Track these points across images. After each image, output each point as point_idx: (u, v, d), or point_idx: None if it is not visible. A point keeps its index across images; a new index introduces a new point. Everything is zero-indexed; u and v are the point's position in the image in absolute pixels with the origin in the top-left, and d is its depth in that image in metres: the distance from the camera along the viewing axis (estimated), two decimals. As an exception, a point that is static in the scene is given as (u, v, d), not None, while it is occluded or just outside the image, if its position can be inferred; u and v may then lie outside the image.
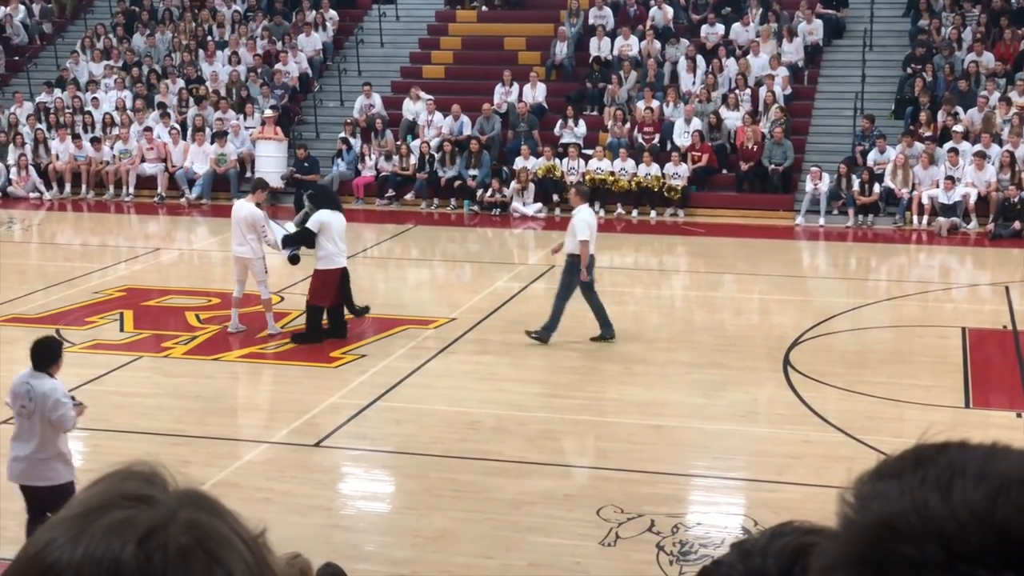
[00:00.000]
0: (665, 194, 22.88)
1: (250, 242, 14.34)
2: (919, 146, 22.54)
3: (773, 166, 22.98)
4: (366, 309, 15.10)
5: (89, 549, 1.11)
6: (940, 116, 23.30)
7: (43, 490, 8.37)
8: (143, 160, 25.19)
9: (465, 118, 24.86)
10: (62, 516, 1.17)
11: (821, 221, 22.23)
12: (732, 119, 24.03)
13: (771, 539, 1.39)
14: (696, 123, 23.84)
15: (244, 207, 14.52)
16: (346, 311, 14.82)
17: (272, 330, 14.69)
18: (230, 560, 1.14)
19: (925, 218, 21.81)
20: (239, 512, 1.20)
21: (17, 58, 29.32)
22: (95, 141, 25.37)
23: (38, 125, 26.08)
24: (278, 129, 24.69)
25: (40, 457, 8.46)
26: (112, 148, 25.31)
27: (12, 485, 10.11)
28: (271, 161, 24.45)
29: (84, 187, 25.27)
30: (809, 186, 22.41)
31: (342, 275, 14.58)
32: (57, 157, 25.38)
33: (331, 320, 14.60)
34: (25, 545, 1.19)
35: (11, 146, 25.53)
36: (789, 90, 24.73)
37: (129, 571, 1.10)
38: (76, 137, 25.60)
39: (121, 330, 14.95)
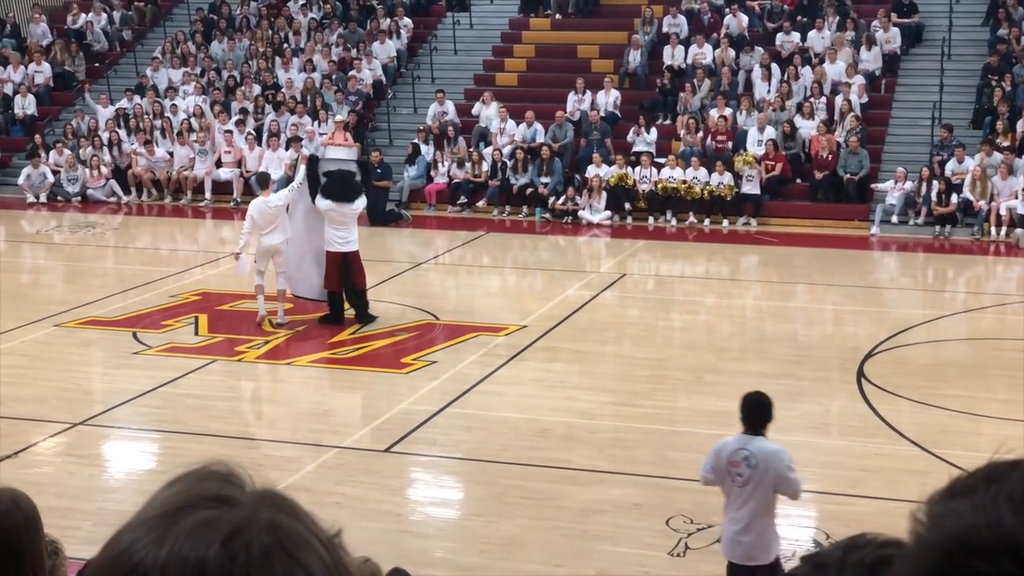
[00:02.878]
0: (740, 191, 22.74)
1: (283, 229, 15.14)
2: (998, 156, 22.21)
3: (848, 175, 22.76)
4: (366, 317, 15.39)
5: (174, 549, 1.13)
6: (1019, 126, 22.94)
7: (761, 569, 7.39)
8: (219, 164, 25.51)
9: (538, 125, 24.89)
10: (143, 517, 1.18)
11: (894, 219, 22.01)
12: (807, 128, 23.83)
13: (846, 552, 1.37)
14: (770, 132, 23.67)
15: (267, 202, 15.21)
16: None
17: (281, 319, 15.41)
18: (309, 561, 1.16)
19: (1004, 229, 21.48)
20: (314, 513, 1.22)
21: (97, 64, 29.80)
22: (174, 142, 25.84)
23: (116, 129, 26.48)
24: (348, 135, 24.83)
25: (758, 531, 7.42)
26: (193, 150, 25.68)
27: (86, 485, 10.28)
28: (342, 166, 24.59)
29: (164, 192, 25.63)
30: (890, 184, 22.16)
31: (342, 261, 15.10)
32: (136, 162, 25.79)
33: (329, 305, 15.31)
34: (107, 545, 1.20)
35: (90, 148, 25.96)
36: (866, 99, 24.49)
37: (214, 571, 1.12)
38: (148, 143, 25.95)
39: (196, 334, 15.14)
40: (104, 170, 25.64)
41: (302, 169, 15.94)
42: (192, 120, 26.44)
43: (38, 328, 15.25)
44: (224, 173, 25.47)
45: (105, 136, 26.38)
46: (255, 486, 1.22)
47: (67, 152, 25.91)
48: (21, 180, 25.65)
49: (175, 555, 1.12)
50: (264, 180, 16.28)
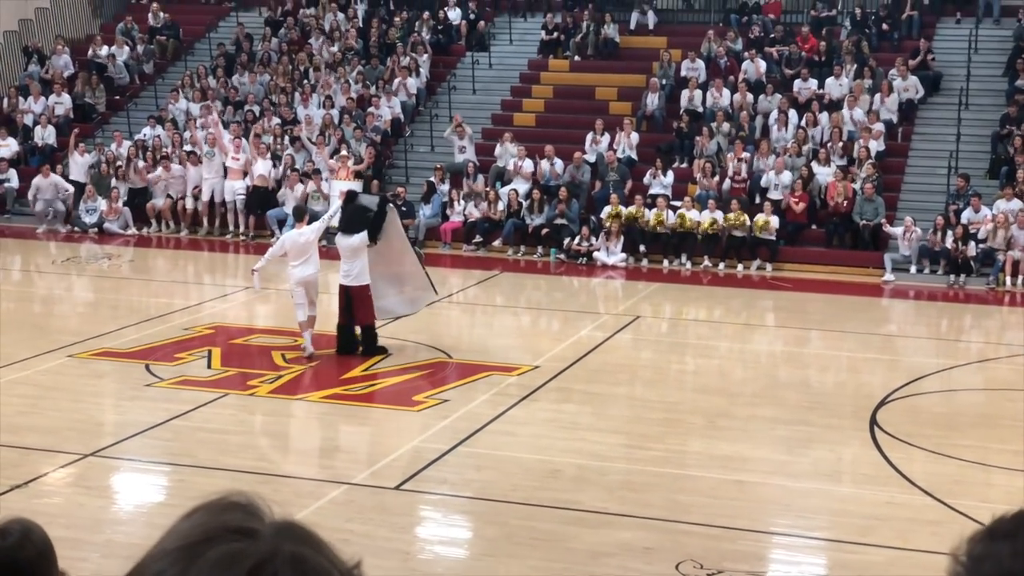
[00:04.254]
0: (757, 233, 22.74)
1: (313, 261, 15.46)
2: (1017, 202, 22.23)
3: (864, 222, 22.77)
4: (371, 350, 15.66)
5: None
6: (1037, 176, 22.95)
7: None
8: (225, 174, 25.50)
9: (557, 164, 24.99)
10: (166, 547, 1.19)
11: (912, 270, 22.00)
12: (823, 174, 23.88)
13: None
14: (787, 176, 23.73)
15: (301, 234, 15.48)
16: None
17: (308, 350, 15.49)
18: None
19: (1020, 279, 21.44)
20: (334, 544, 1.23)
21: (118, 97, 30.03)
22: (190, 155, 26.01)
23: (135, 158, 26.60)
24: (352, 171, 24.98)
25: None
26: (200, 151, 25.76)
27: (95, 516, 10.29)
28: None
29: (180, 225, 25.74)
30: (899, 230, 22.16)
31: (344, 294, 15.54)
32: (153, 190, 25.90)
33: (336, 338, 15.71)
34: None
35: (112, 179, 26.12)
36: (883, 146, 24.53)
37: None
38: (165, 158, 26.10)
39: (209, 367, 15.17)
40: (118, 204, 25.74)
41: (336, 203, 16.17)
42: (207, 147, 26.49)
43: (51, 358, 15.30)
44: (230, 188, 25.43)
45: (124, 155, 26.55)
46: (275, 518, 1.23)
47: (87, 184, 26.10)
48: (30, 194, 25.84)
49: None
50: (299, 212, 16.51)
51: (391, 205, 16.01)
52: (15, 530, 4.19)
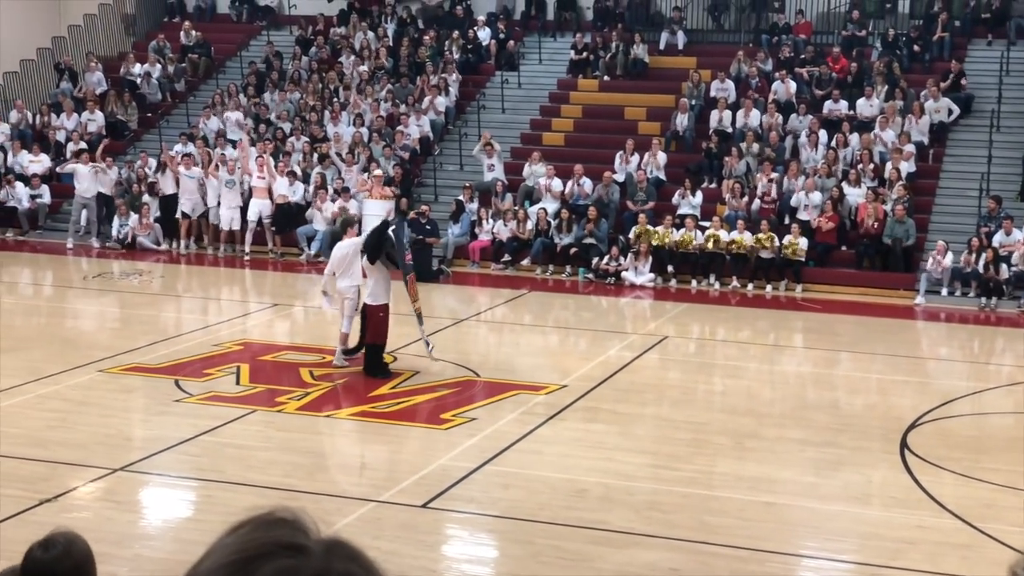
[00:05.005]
0: (786, 255, 22.67)
1: (351, 275, 15.74)
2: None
3: (894, 240, 22.68)
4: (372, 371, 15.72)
5: None
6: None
7: None
8: (251, 195, 25.60)
9: (586, 183, 25.01)
10: (220, 563, 1.18)
11: (943, 292, 21.90)
12: (854, 195, 23.82)
13: None
14: (817, 197, 23.67)
15: (340, 247, 15.86)
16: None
17: (339, 361, 15.82)
18: None
19: (1052, 302, 21.32)
20: (379, 562, 1.24)
21: (150, 115, 30.25)
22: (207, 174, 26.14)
23: (169, 162, 26.73)
24: (385, 188, 25.03)
25: None
26: (219, 182, 25.82)
27: (124, 531, 10.33)
28: (377, 220, 24.72)
29: (204, 240, 25.87)
30: (931, 264, 22.07)
31: (362, 311, 15.74)
32: (184, 215, 25.95)
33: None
34: None
35: (144, 195, 26.26)
36: (914, 168, 24.45)
37: None
38: (187, 156, 26.17)
39: (237, 383, 15.23)
40: (149, 220, 25.88)
41: (373, 222, 16.47)
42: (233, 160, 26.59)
43: (82, 373, 15.40)
44: (255, 207, 25.49)
45: (152, 166, 26.70)
46: (322, 535, 1.23)
47: (119, 200, 26.30)
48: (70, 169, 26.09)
49: None
50: (345, 224, 16.86)
51: (393, 228, 15.91)
52: (59, 542, 4.23)
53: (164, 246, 25.83)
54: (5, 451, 12.21)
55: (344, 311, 15.93)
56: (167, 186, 26.15)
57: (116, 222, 26.01)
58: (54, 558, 4.18)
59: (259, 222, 25.54)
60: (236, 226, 25.54)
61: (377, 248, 15.46)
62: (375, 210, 23.20)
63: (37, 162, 28.06)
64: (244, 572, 1.15)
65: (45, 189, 27.44)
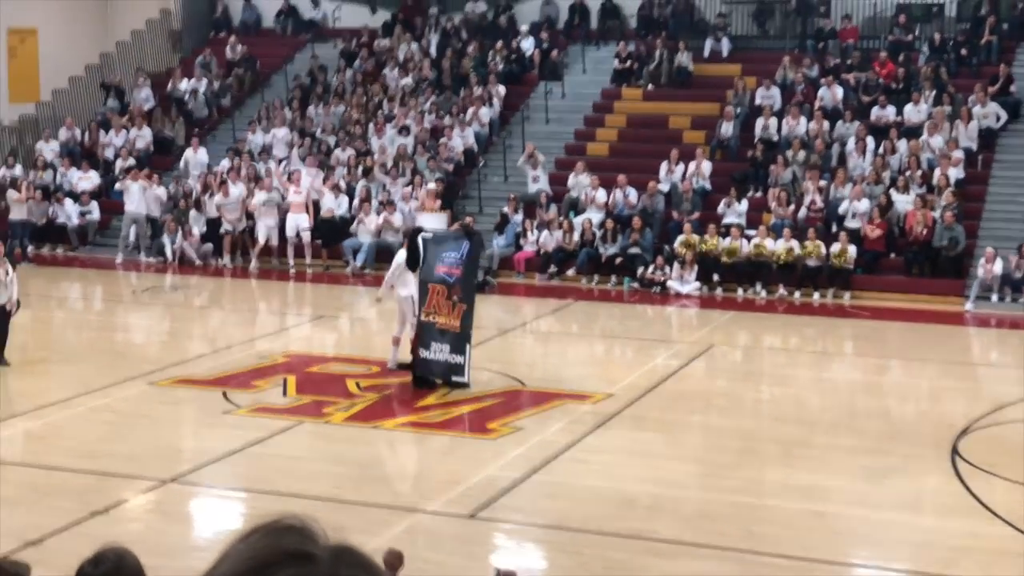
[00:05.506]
0: (835, 263, 22.50)
1: (404, 284, 16.17)
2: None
3: (943, 245, 22.48)
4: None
5: None
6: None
7: None
8: (287, 210, 25.76)
9: (631, 193, 24.98)
10: (231, 571, 1.19)
11: (993, 298, 21.68)
12: (902, 202, 23.63)
13: None
14: (865, 204, 23.51)
15: (400, 255, 16.32)
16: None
17: (392, 364, 16.23)
18: None
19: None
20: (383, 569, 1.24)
21: (197, 130, 30.52)
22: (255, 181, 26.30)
23: (208, 186, 26.92)
24: (438, 202, 25.12)
25: None
26: (256, 193, 25.96)
27: (174, 543, 10.39)
28: (429, 232, 24.86)
29: (249, 254, 26.02)
30: (981, 271, 21.86)
31: None
32: (227, 229, 26.10)
33: None
34: None
35: (192, 212, 26.46)
36: (963, 174, 24.23)
37: None
38: (223, 183, 26.29)
39: (284, 395, 15.31)
40: (196, 232, 26.06)
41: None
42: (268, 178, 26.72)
43: (131, 386, 15.54)
44: (293, 222, 25.59)
45: (197, 187, 26.88)
46: (330, 542, 1.24)
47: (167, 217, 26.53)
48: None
49: None
50: (404, 234, 17.42)
51: (421, 238, 15.89)
52: (109, 558, 4.26)
53: (211, 261, 25.98)
54: (56, 463, 12.35)
55: (398, 317, 16.37)
56: (211, 208, 26.33)
57: (166, 239, 26.17)
58: (105, 573, 4.21)
59: (297, 235, 25.66)
60: (275, 240, 25.66)
61: (414, 258, 15.54)
62: (428, 223, 23.33)
63: (87, 179, 28.36)
64: None
65: (94, 205, 27.73)
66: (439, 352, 15.37)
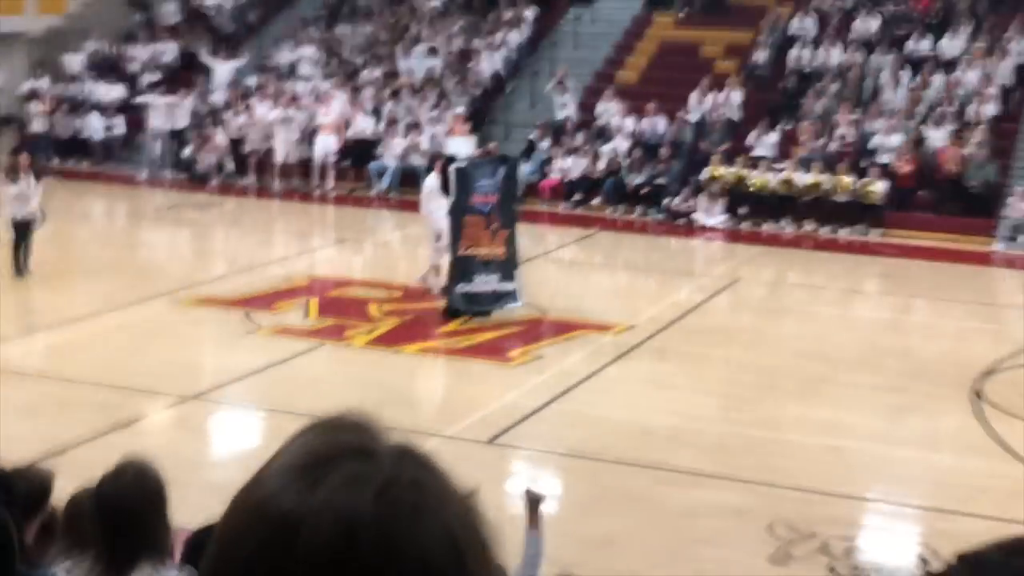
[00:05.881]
0: (863, 199, 22.40)
1: (433, 209, 16.21)
2: None
3: (975, 183, 22.33)
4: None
5: (328, 500, 1.15)
6: None
7: None
8: (314, 132, 25.71)
9: (658, 123, 24.86)
10: (288, 464, 1.19)
11: (1021, 239, 21.56)
12: (935, 138, 23.45)
13: (1009, 555, 1.32)
14: (896, 139, 23.33)
15: (430, 179, 16.58)
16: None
17: (427, 281, 16.45)
18: (450, 521, 1.19)
19: None
20: (449, 470, 1.26)
21: (224, 45, 30.41)
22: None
23: (233, 111, 26.92)
24: (467, 126, 25.03)
25: None
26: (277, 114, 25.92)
27: (195, 458, 10.56)
28: (460, 157, 24.80)
29: (273, 175, 26.03)
30: (1011, 211, 21.72)
31: None
32: (252, 148, 26.08)
33: None
34: (247, 490, 1.21)
35: (218, 127, 26.43)
36: (998, 110, 24.00)
37: (366, 524, 1.14)
38: (247, 107, 26.20)
39: (306, 317, 15.43)
40: (220, 139, 25.98)
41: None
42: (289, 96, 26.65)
43: (155, 303, 15.69)
44: (322, 144, 25.48)
45: (221, 101, 26.83)
46: (392, 440, 1.24)
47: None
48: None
49: (328, 506, 1.14)
50: (432, 159, 17.88)
51: (454, 168, 15.82)
52: (129, 471, 4.36)
53: (232, 174, 25.89)
54: (79, 376, 12.52)
55: (432, 241, 16.36)
56: (233, 128, 26.29)
57: (188, 152, 26.19)
58: (125, 486, 4.31)
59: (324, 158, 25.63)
60: (292, 158, 25.62)
61: (447, 186, 15.56)
62: (458, 148, 23.29)
63: (112, 93, 28.37)
64: (312, 477, 1.16)
65: (120, 120, 27.77)
66: (484, 284, 15.50)
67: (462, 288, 15.42)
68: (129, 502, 4.28)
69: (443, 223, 15.93)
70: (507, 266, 15.61)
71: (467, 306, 15.43)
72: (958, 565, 1.35)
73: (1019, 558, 1.31)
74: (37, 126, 26.95)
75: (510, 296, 15.65)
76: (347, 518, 1.13)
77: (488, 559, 1.21)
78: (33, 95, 27.92)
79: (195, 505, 8.99)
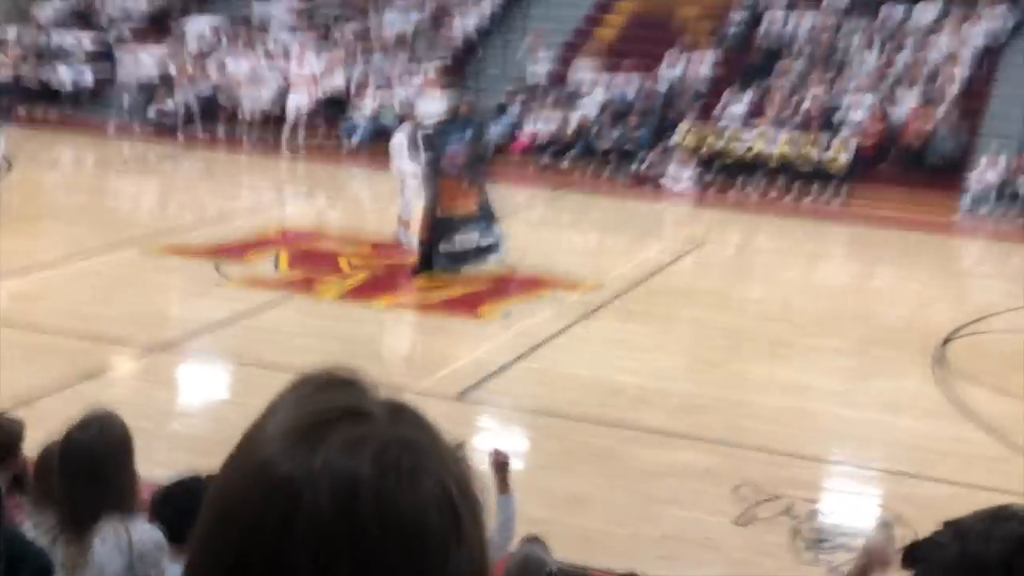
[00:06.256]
0: (827, 168, 22.41)
1: (402, 165, 16.28)
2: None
3: (940, 157, 22.36)
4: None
5: (327, 463, 1.13)
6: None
7: None
8: (288, 88, 25.43)
9: (629, 85, 24.72)
10: (282, 427, 1.16)
11: (984, 211, 21.62)
12: (904, 105, 23.43)
13: (992, 522, 1.33)
14: (866, 104, 23.27)
15: (400, 132, 16.70)
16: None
17: (403, 238, 16.30)
18: (446, 479, 1.18)
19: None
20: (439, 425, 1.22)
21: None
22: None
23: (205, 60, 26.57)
24: (439, 86, 24.80)
25: None
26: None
27: (163, 408, 10.44)
28: (434, 115, 24.54)
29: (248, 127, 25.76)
30: (975, 184, 21.75)
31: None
32: (224, 100, 25.80)
33: None
34: (241, 452, 1.18)
35: (184, 79, 26.07)
36: (967, 79, 23.98)
37: (366, 487, 1.12)
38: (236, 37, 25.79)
39: (276, 268, 15.30)
40: (190, 92, 25.66)
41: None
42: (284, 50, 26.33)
43: (123, 251, 15.51)
44: (293, 101, 25.12)
45: (194, 52, 26.46)
46: (383, 398, 1.22)
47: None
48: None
49: (328, 469, 1.12)
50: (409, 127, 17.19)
51: (421, 134, 15.76)
52: (94, 424, 4.26)
53: (201, 127, 25.63)
54: (47, 324, 12.36)
55: (402, 192, 16.27)
56: (205, 83, 25.94)
57: (155, 105, 25.86)
58: (89, 438, 4.22)
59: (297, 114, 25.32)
60: (257, 116, 25.29)
61: (415, 146, 15.48)
62: (429, 107, 23.06)
63: (83, 42, 27.95)
64: (311, 440, 1.14)
65: (88, 69, 27.37)
66: (465, 242, 15.43)
67: (445, 248, 15.33)
68: (94, 454, 4.20)
69: (411, 180, 15.94)
70: (484, 219, 15.67)
71: (452, 265, 15.34)
72: (943, 531, 1.37)
73: (1002, 526, 1.32)
74: (3, 74, 26.53)
75: (493, 248, 15.72)
76: (347, 481, 1.12)
77: (481, 518, 1.21)
78: (0, 44, 27.47)
79: (163, 457, 8.93)
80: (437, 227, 15.29)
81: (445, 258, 15.38)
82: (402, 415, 1.20)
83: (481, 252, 15.67)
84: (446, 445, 1.22)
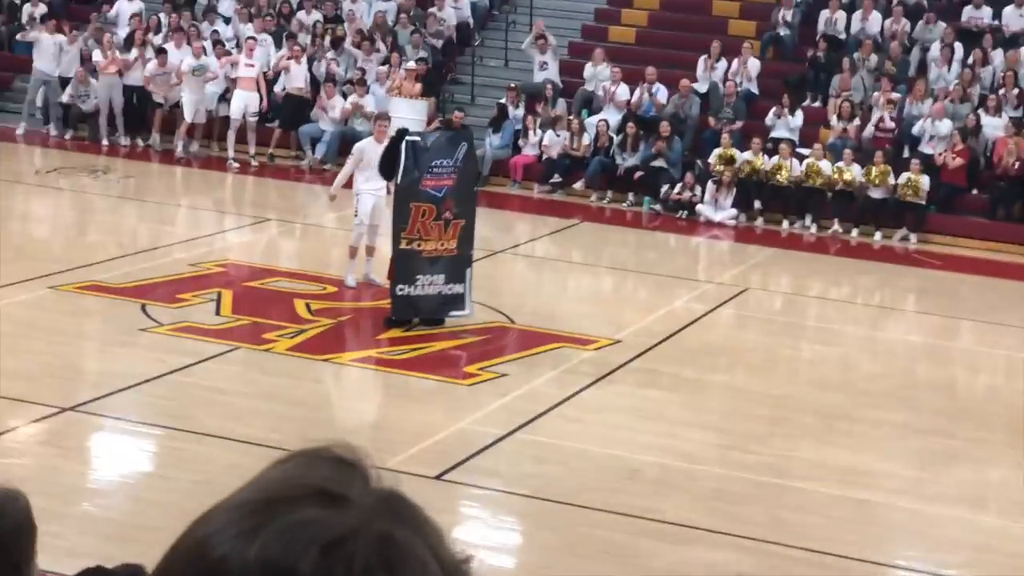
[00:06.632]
0: (902, 196, 22.46)
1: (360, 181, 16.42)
2: None
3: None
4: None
5: (265, 551, 1.15)
6: None
7: None
8: (227, 90, 25.51)
9: (659, 92, 24.87)
10: (241, 500, 1.20)
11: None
12: (992, 126, 23.60)
13: None
14: (945, 126, 23.45)
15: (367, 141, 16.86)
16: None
17: (351, 281, 16.54)
18: None
19: None
20: (445, 529, 1.24)
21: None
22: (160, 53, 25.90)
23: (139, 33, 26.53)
24: (418, 86, 24.90)
25: None
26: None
27: (72, 483, 10.47)
28: (406, 124, 24.58)
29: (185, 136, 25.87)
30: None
31: None
32: (158, 102, 25.87)
33: None
34: (192, 527, 1.22)
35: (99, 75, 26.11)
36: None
37: None
38: (162, 52, 25.80)
39: (217, 313, 15.36)
40: (114, 89, 25.72)
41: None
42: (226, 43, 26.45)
43: (29, 289, 15.56)
44: (240, 100, 25.20)
45: (121, 41, 26.52)
46: (379, 483, 1.23)
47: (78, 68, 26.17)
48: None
49: (264, 558, 1.14)
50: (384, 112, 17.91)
51: (407, 141, 15.41)
52: None
53: (126, 133, 25.71)
54: (-67, 378, 12.40)
55: (367, 219, 16.26)
56: (136, 75, 26.02)
57: (78, 90, 25.90)
58: None
59: (244, 117, 25.32)
60: (201, 119, 25.33)
61: (390, 163, 15.10)
62: (404, 112, 23.18)
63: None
64: (262, 516, 1.17)
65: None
66: (428, 285, 15.02)
67: (402, 290, 15.04)
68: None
69: (366, 199, 16.12)
70: (457, 265, 15.23)
71: (405, 312, 15.23)
72: None
73: None
74: None
75: (456, 301, 15.30)
76: (283, 573, 1.13)
77: None
78: None
79: (71, 543, 8.95)
80: (397, 261, 15.07)
81: (401, 301, 15.06)
82: (391, 506, 1.21)
83: (444, 303, 15.29)
84: (440, 551, 1.22)
